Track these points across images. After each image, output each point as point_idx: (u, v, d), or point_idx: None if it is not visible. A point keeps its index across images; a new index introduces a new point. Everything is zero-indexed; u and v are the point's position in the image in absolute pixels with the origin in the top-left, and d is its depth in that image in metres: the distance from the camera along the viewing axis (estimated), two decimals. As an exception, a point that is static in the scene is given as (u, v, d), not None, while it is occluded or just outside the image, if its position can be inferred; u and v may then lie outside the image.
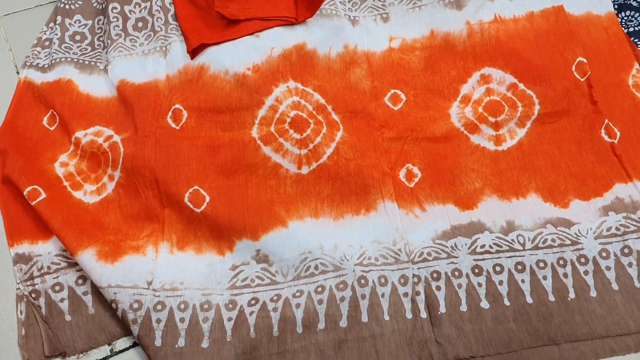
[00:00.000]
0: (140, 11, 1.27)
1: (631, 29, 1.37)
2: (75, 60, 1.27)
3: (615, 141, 1.14)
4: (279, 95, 1.14)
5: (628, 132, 1.15)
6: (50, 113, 1.21)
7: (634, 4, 1.42)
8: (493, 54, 1.20)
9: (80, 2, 1.35)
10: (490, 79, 1.19)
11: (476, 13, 1.23)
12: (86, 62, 1.28)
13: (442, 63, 1.22)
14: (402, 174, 1.12)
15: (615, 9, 1.36)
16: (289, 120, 1.12)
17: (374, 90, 1.19)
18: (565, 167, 1.12)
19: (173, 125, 1.14)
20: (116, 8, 1.27)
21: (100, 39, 1.31)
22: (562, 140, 1.15)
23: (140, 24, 1.27)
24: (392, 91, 1.20)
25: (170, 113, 1.15)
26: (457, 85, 1.20)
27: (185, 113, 1.14)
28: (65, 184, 1.12)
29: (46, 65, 1.28)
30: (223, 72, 1.16)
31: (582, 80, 1.18)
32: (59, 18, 1.32)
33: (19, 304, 1.03)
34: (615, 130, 1.15)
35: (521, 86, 1.18)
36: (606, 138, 1.14)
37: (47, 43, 1.32)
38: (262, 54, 1.17)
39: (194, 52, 1.19)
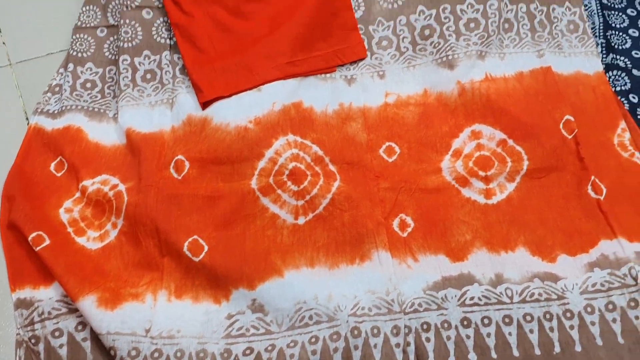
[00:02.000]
0: (149, 63, 1.33)
1: (618, 88, 1.43)
2: (85, 107, 1.32)
3: (602, 198, 1.18)
4: (278, 148, 1.18)
5: (614, 189, 1.19)
6: (58, 159, 1.25)
7: (621, 64, 1.48)
8: (483, 111, 1.25)
9: (92, 51, 1.40)
10: (481, 134, 1.24)
11: (467, 72, 1.28)
12: (96, 110, 1.32)
13: (435, 119, 1.26)
14: (395, 223, 1.16)
15: (603, 68, 1.42)
16: (287, 172, 1.17)
17: (370, 142, 1.24)
18: (553, 222, 1.16)
19: (175, 175, 1.18)
20: (126, 60, 1.32)
21: (111, 87, 1.36)
22: (550, 195, 1.19)
23: (148, 76, 1.32)
24: (387, 144, 1.24)
25: (173, 163, 1.19)
26: (448, 140, 1.24)
27: (187, 164, 1.19)
28: (69, 229, 1.16)
29: (56, 112, 1.32)
30: (225, 124, 1.20)
31: (570, 137, 1.22)
32: (70, 65, 1.38)
33: (18, 349, 1.05)
34: (602, 186, 1.19)
35: (510, 142, 1.23)
36: (593, 194, 1.18)
37: (57, 89, 1.37)
38: (264, 107, 1.22)
39: (205, 104, 1.24)
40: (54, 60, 1.43)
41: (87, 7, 1.45)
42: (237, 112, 1.21)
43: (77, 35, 1.41)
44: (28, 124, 1.32)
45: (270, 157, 1.17)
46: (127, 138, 1.24)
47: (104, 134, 1.28)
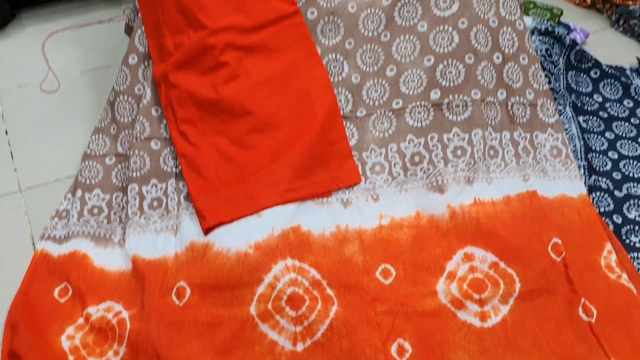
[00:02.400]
0: (156, 191, 1.39)
1: (602, 209, 1.50)
2: (92, 233, 1.37)
3: (593, 320, 1.21)
4: (277, 273, 1.22)
5: (604, 311, 1.22)
6: (63, 285, 1.28)
7: (603, 185, 1.56)
8: (474, 234, 1.31)
9: (100, 177, 1.47)
10: (473, 257, 1.29)
11: (457, 197, 1.35)
12: (101, 235, 1.37)
13: (428, 241, 1.31)
14: (393, 349, 1.17)
15: (586, 190, 1.49)
16: (285, 297, 1.20)
17: (366, 264, 1.28)
18: (546, 345, 1.18)
19: (177, 302, 1.21)
20: (134, 189, 1.39)
21: (117, 214, 1.41)
22: (543, 318, 1.22)
23: (155, 204, 1.38)
24: (383, 266, 1.28)
25: (174, 290, 1.22)
26: (442, 262, 1.28)
27: (188, 290, 1.22)
28: (70, 358, 1.17)
29: (63, 237, 1.37)
30: (226, 249, 1.25)
31: (559, 260, 1.27)
32: (79, 192, 1.44)
33: None
34: (592, 308, 1.22)
35: (502, 265, 1.27)
36: (584, 317, 1.21)
37: (64, 214, 1.43)
38: (264, 232, 1.27)
39: (208, 230, 1.29)
40: (62, 185, 1.51)
41: (97, 136, 1.54)
42: (238, 237, 1.26)
43: (86, 163, 1.49)
44: (34, 249, 1.36)
45: (269, 282, 1.21)
46: (133, 264, 1.28)
47: (109, 260, 1.32)
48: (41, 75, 1.87)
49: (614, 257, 1.32)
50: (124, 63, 1.51)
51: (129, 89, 1.50)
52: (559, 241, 1.29)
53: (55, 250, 1.34)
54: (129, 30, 1.66)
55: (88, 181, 1.46)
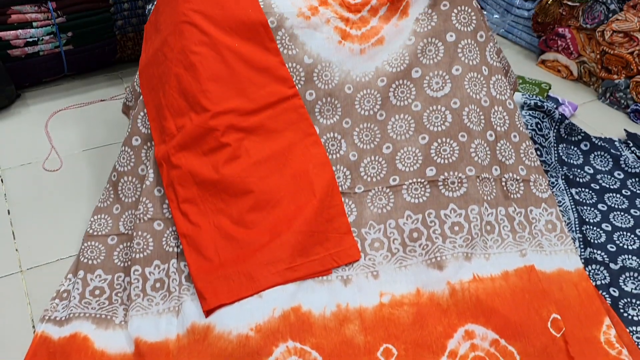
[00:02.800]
0: (159, 273, 1.40)
1: (598, 282, 1.51)
2: (93, 315, 1.37)
3: (596, 397, 1.20)
4: (278, 356, 1.21)
5: None
6: None
7: (599, 258, 1.58)
8: (474, 311, 1.31)
9: (102, 258, 1.48)
10: (474, 334, 1.29)
11: (456, 273, 1.36)
12: (102, 316, 1.37)
13: (429, 319, 1.32)
14: None
15: (582, 263, 1.51)
16: None
17: (367, 345, 1.27)
18: None
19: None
20: (137, 270, 1.39)
21: (119, 294, 1.42)
22: None
23: (158, 285, 1.39)
24: (384, 346, 1.28)
25: None
26: (443, 341, 1.28)
27: None
28: None
29: (63, 319, 1.36)
30: (227, 332, 1.24)
31: (558, 336, 1.27)
32: (80, 272, 1.45)
33: None
34: None
35: (502, 342, 1.27)
36: None
37: (65, 295, 1.43)
38: (265, 314, 1.27)
39: (209, 311, 1.29)
40: (63, 265, 1.51)
41: (99, 216, 1.56)
42: (239, 319, 1.26)
43: (88, 243, 1.50)
44: (34, 331, 1.35)
45: None
46: (135, 348, 1.28)
47: (111, 342, 1.31)
48: (44, 153, 1.91)
49: (613, 332, 1.32)
50: (126, 144, 1.55)
51: (132, 169, 1.53)
52: (558, 317, 1.30)
53: (56, 332, 1.34)
54: (126, 109, 1.72)
55: (90, 262, 1.47)
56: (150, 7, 1.69)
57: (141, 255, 1.41)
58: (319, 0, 1.54)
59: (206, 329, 1.26)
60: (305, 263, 1.37)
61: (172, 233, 1.44)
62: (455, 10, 1.56)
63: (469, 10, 1.57)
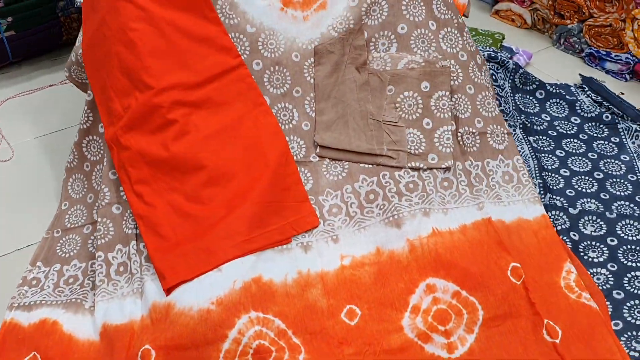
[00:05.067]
0: (121, 256, 1.39)
1: (559, 227, 1.53)
2: (64, 301, 1.36)
3: (557, 340, 1.23)
4: (241, 327, 1.21)
5: (568, 331, 1.25)
6: (32, 355, 1.26)
7: (558, 203, 1.60)
8: (434, 265, 1.32)
9: (78, 248, 1.48)
10: (435, 288, 1.30)
11: (415, 230, 1.37)
12: (73, 300, 1.36)
13: (390, 277, 1.33)
14: None
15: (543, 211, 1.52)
16: (251, 351, 1.19)
17: (330, 308, 1.28)
18: (515, 370, 1.19)
19: (141, 367, 1.20)
20: (100, 256, 1.38)
21: (90, 279, 1.41)
22: (509, 343, 1.23)
23: (122, 268, 1.38)
24: (348, 307, 1.29)
25: (140, 354, 1.21)
26: (406, 297, 1.30)
27: (153, 353, 1.21)
28: None
29: (33, 304, 1.35)
30: (188, 308, 1.24)
31: (519, 283, 1.29)
32: (57, 265, 1.44)
33: None
34: (557, 328, 1.24)
35: (464, 293, 1.29)
36: (548, 338, 1.23)
37: (34, 282, 1.42)
38: (225, 287, 1.27)
39: (169, 290, 1.28)
40: (22, 255, 1.50)
41: (75, 207, 1.55)
42: (199, 294, 1.25)
43: (67, 237, 1.50)
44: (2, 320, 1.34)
45: (234, 337, 1.20)
46: (102, 331, 1.27)
47: (79, 326, 1.30)
48: (-6, 145, 1.87)
49: (573, 276, 1.35)
50: (93, 133, 1.53)
51: (103, 158, 1.51)
52: (518, 265, 1.32)
53: (25, 319, 1.32)
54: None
55: (67, 254, 1.46)
56: (80, -17, 1.64)
57: (103, 240, 1.40)
58: None
59: (167, 307, 1.26)
60: (264, 233, 1.36)
61: (131, 215, 1.42)
62: None
63: (411, -37, 1.54)
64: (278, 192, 1.41)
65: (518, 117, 1.87)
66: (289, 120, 1.51)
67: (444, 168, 1.48)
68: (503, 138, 1.60)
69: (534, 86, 2.02)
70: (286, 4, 1.52)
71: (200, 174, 1.39)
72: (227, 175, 1.40)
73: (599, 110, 1.95)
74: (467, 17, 1.78)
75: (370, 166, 1.49)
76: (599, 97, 2.00)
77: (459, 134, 1.55)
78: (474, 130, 1.57)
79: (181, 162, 1.39)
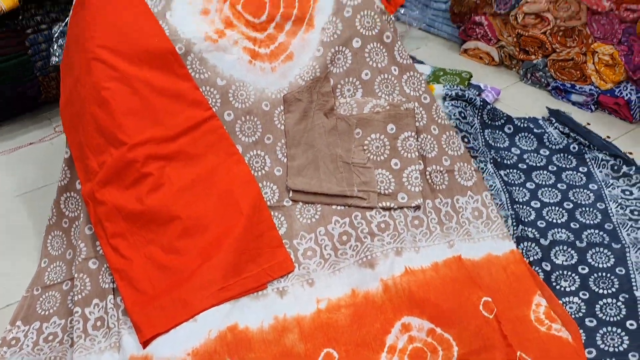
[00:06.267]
0: (98, 311, 1.40)
1: (531, 258, 1.56)
2: (43, 359, 1.37)
3: (531, 372, 1.25)
4: None
5: None
6: None
7: (530, 235, 1.63)
8: (408, 303, 1.35)
9: (58, 305, 1.49)
10: (410, 326, 1.32)
11: (388, 270, 1.40)
12: (52, 358, 1.37)
13: (366, 318, 1.35)
14: None
15: (514, 241, 1.56)
16: None
17: (308, 352, 1.30)
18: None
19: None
20: (78, 312, 1.39)
21: (69, 335, 1.41)
22: None
23: (98, 323, 1.38)
24: (325, 350, 1.30)
25: None
26: (382, 337, 1.32)
27: None
28: None
29: None
30: None
31: (491, 317, 1.32)
32: (36, 323, 1.45)
33: None
34: None
35: (438, 330, 1.31)
36: None
37: (13, 342, 1.42)
38: (201, 337, 1.28)
39: (146, 342, 1.30)
40: (2, 315, 1.50)
41: (54, 264, 1.57)
42: (175, 346, 1.27)
43: (46, 294, 1.51)
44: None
45: None
46: None
47: None
48: (-25, 204, 1.89)
49: (542, 309, 1.37)
50: (70, 190, 1.57)
51: (80, 214, 1.54)
52: (489, 299, 1.34)
53: None
54: None
55: (46, 312, 1.47)
56: (55, 46, 1.69)
57: (80, 296, 1.41)
58: (225, 22, 1.57)
59: (145, 359, 1.27)
60: (239, 281, 1.38)
61: (107, 269, 1.44)
62: (359, 16, 1.60)
63: (372, 13, 1.61)
64: (252, 239, 1.44)
65: (488, 153, 1.92)
66: (262, 166, 1.55)
67: (414, 207, 1.52)
68: (471, 175, 1.64)
69: (502, 121, 2.07)
70: (254, 56, 1.58)
71: (175, 226, 1.42)
72: (201, 225, 1.43)
73: (566, 142, 2.00)
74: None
75: (342, 208, 1.52)
76: (566, 129, 2.05)
77: (427, 173, 1.60)
78: (441, 169, 1.61)
79: (156, 214, 1.43)
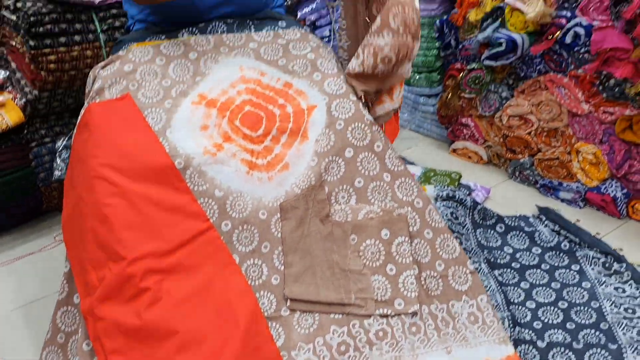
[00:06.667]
0: None
1: (529, 362, 1.56)
2: None
3: None
4: None
5: None
6: None
7: (527, 337, 1.64)
8: None
9: None
10: None
11: None
12: None
13: None
14: None
15: (512, 345, 1.56)
16: None
17: None
18: None
19: None
20: None
21: None
22: None
23: None
24: None
25: None
26: None
27: None
28: None
29: None
30: None
31: None
32: None
33: None
34: None
35: None
36: None
37: None
38: None
39: None
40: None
41: (50, 348, 1.57)
42: None
43: None
44: None
45: None
46: None
47: None
48: (-29, 318, 1.89)
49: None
50: (68, 304, 1.57)
51: (77, 329, 1.54)
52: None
53: None
54: None
55: None
56: (58, 160, 1.76)
57: None
58: (223, 136, 1.64)
59: None
60: None
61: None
62: (350, 128, 1.68)
63: (362, 125, 1.69)
64: (249, 352, 1.44)
65: (481, 253, 1.96)
66: (259, 275, 1.58)
67: (411, 313, 1.54)
68: (466, 278, 1.67)
69: (493, 220, 2.12)
70: (252, 167, 1.64)
71: (172, 340, 1.42)
72: (198, 339, 1.43)
73: (557, 239, 2.05)
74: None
75: (340, 316, 1.53)
76: (557, 226, 2.10)
77: (422, 278, 1.62)
78: (435, 274, 1.64)
79: (154, 329, 1.43)
